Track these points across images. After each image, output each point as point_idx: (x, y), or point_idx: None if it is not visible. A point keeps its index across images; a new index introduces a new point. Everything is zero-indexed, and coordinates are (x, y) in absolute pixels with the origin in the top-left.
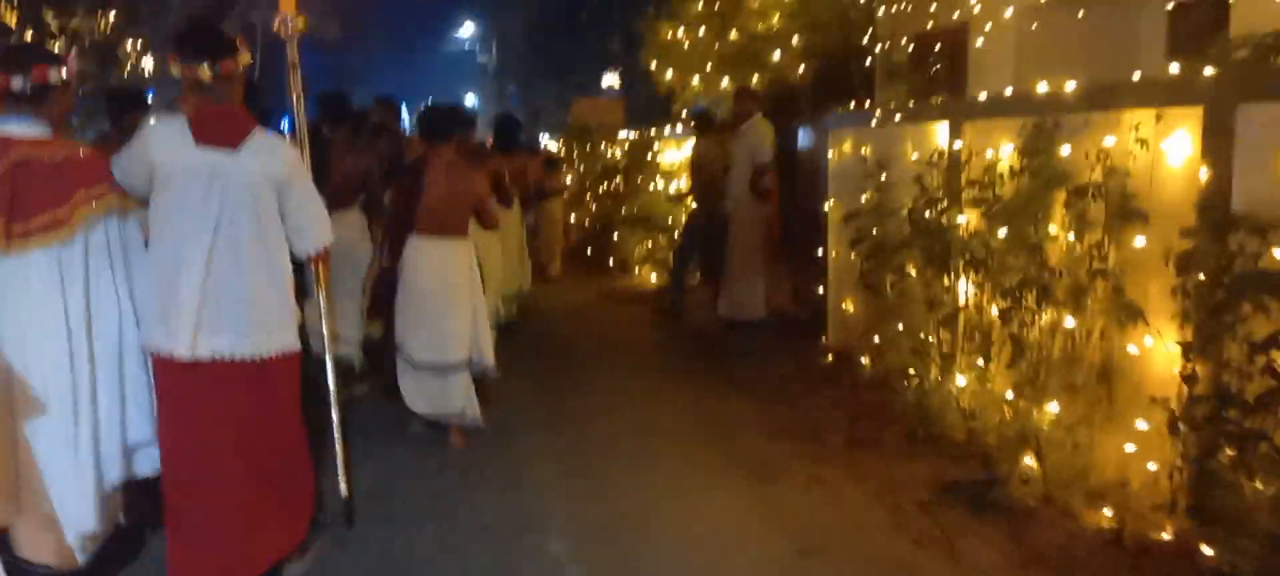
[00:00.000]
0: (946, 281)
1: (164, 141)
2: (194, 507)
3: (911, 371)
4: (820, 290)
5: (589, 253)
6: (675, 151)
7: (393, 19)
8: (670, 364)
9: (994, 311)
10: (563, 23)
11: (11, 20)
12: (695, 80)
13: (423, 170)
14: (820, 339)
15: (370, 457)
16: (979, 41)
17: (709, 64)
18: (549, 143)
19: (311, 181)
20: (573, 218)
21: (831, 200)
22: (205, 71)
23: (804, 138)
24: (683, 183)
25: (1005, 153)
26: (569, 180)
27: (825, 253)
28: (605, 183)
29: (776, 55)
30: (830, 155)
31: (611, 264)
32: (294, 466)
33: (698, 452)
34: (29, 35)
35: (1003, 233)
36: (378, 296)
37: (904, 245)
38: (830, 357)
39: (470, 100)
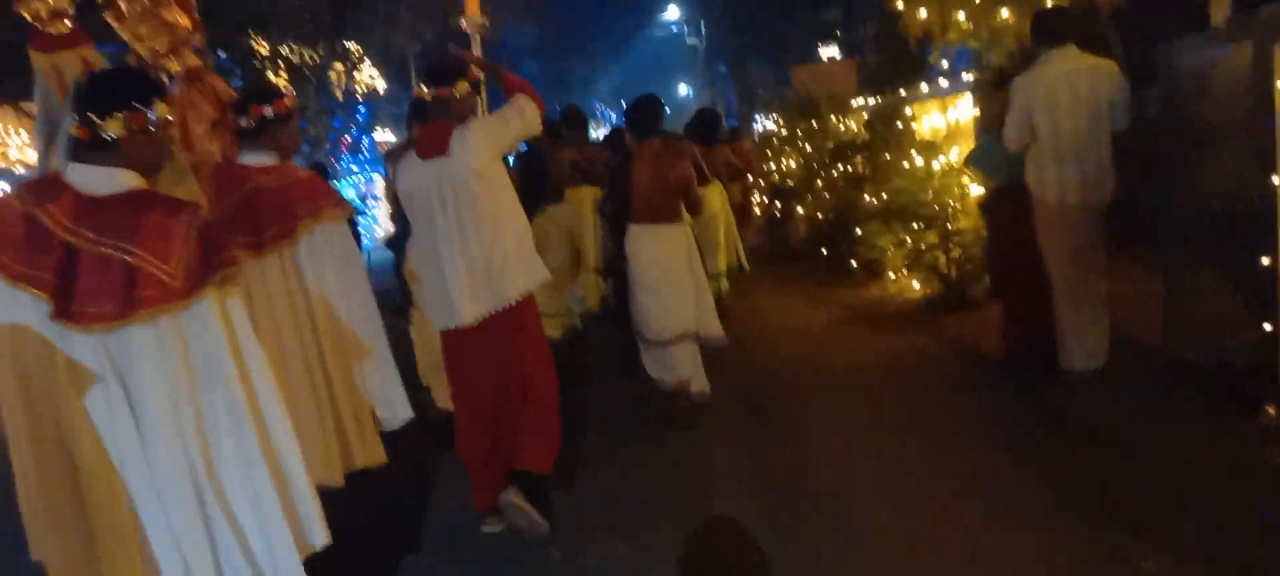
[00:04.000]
0: None
1: (402, 170)
2: (477, 429)
3: None
4: (1266, 327)
5: (824, 254)
6: (938, 116)
7: (602, 16)
8: (983, 460)
9: None
10: None
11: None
12: (960, 15)
13: (631, 163)
14: (1267, 409)
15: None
16: None
17: None
18: (767, 123)
19: (492, 122)
20: (800, 209)
21: None
22: (427, 93)
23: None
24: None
25: None
26: (792, 164)
27: (1276, 259)
28: (840, 165)
29: None
30: None
31: (854, 266)
32: (546, 384)
33: None
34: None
35: None
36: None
37: None
38: None
39: (683, 89)
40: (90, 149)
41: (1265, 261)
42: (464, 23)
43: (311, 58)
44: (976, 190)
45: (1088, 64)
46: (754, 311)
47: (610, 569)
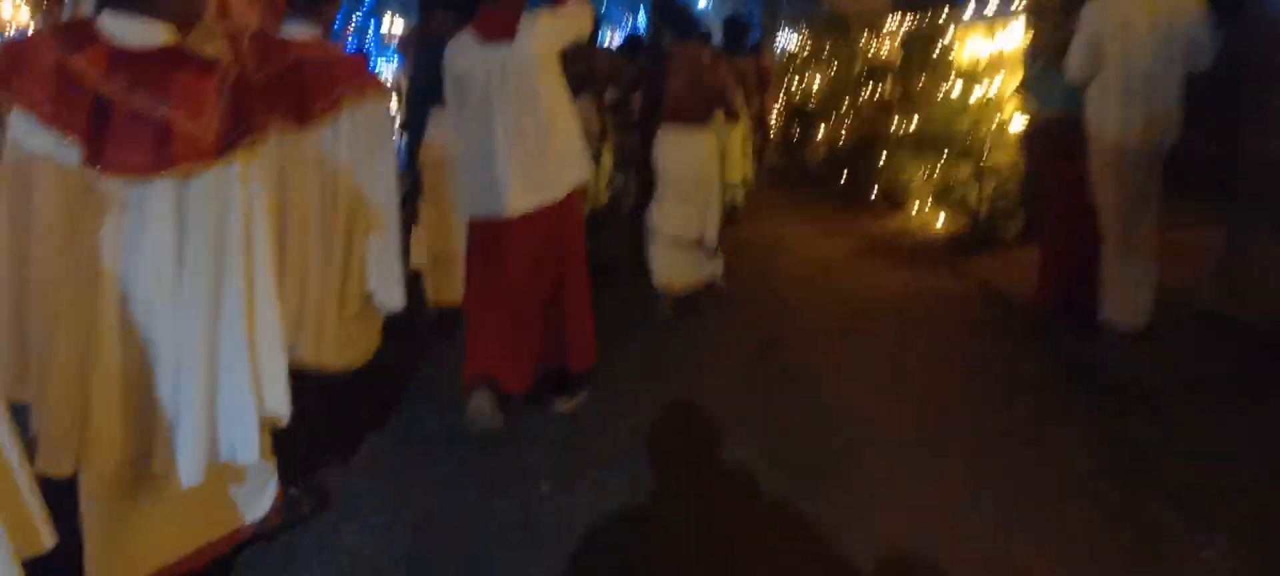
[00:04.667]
0: None
1: (457, 51)
2: (489, 319)
3: None
4: None
5: (843, 180)
6: (982, 40)
7: None
8: (1011, 419)
9: None
10: None
11: None
12: None
13: (666, 63)
14: None
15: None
16: None
17: None
18: (790, 40)
19: (558, 16)
20: (822, 131)
21: None
22: None
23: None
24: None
25: None
26: (814, 85)
27: None
28: (869, 88)
29: None
30: None
31: (874, 197)
32: (583, 282)
33: None
34: None
35: None
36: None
37: None
38: None
39: (703, 1)
40: None
41: None
42: None
43: None
44: (1017, 125)
45: None
46: (766, 237)
47: (600, 505)
